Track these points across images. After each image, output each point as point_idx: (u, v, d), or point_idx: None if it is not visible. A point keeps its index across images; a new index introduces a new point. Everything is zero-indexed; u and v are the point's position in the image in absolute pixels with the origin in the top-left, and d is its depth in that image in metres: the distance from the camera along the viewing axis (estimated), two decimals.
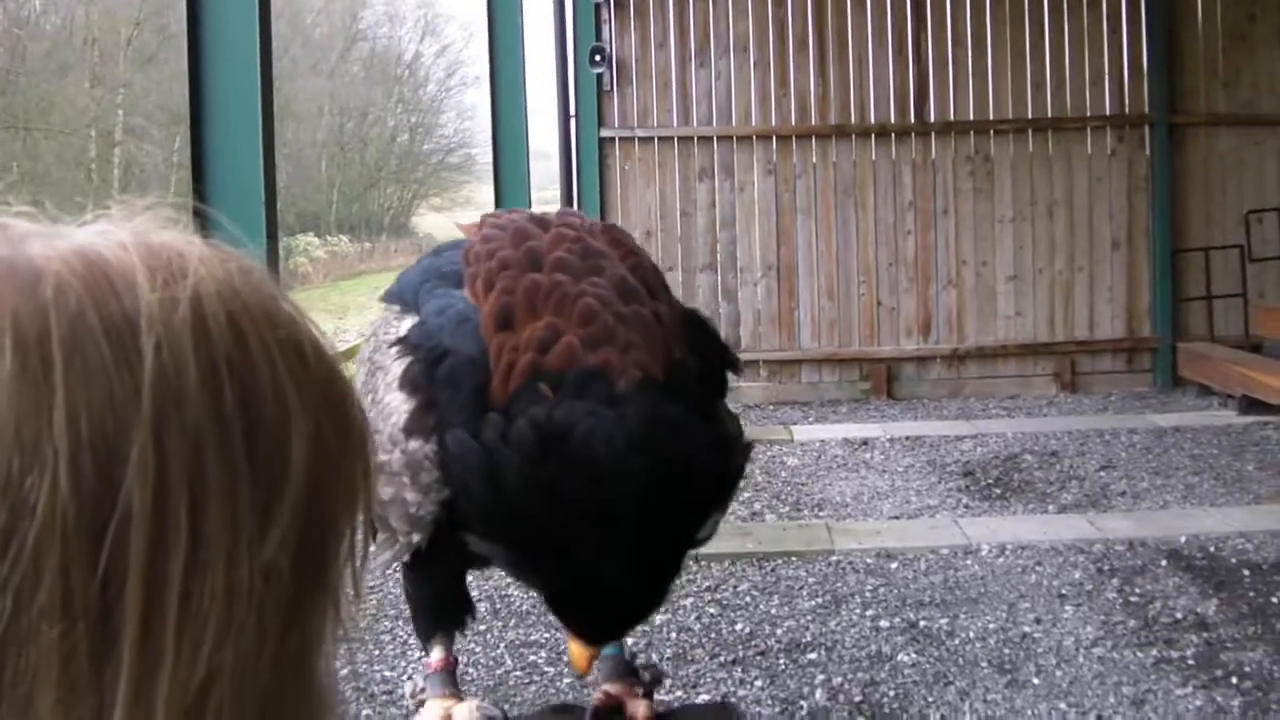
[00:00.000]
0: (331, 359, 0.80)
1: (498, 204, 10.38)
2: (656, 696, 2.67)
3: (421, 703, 2.67)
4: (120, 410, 0.67)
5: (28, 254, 0.71)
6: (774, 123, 14.86)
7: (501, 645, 7.39)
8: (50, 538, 0.64)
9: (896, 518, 9.51)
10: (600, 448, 2.10)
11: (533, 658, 7.17)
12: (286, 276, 44.37)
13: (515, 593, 8.19)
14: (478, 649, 7.36)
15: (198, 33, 4.86)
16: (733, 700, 6.50)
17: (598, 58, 14.43)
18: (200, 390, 0.70)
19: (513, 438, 2.13)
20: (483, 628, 7.67)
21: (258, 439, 0.72)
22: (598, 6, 14.57)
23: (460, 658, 7.13)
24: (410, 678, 2.31)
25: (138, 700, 0.66)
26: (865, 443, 12.13)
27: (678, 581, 2.47)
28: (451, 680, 2.60)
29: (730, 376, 2.65)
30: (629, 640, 2.66)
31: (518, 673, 7.00)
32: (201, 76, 4.87)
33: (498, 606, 8.01)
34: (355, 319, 31.16)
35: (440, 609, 2.69)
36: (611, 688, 2.56)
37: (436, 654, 2.58)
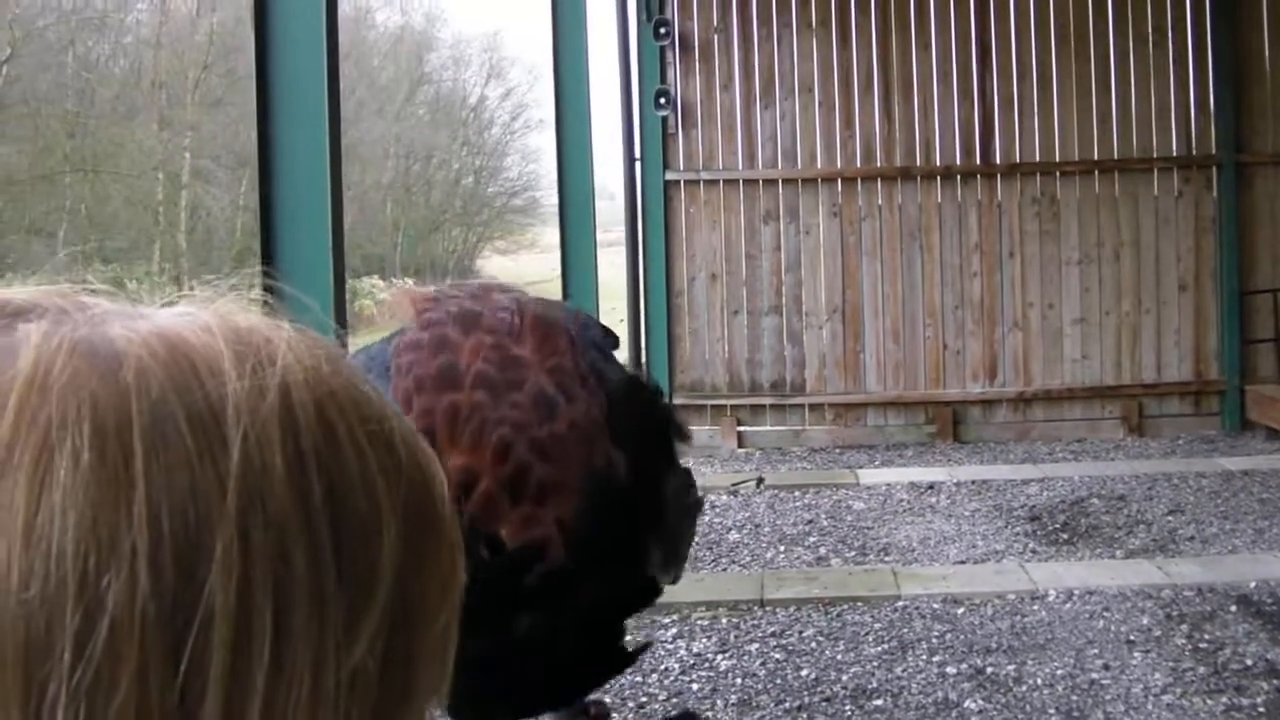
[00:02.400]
0: (421, 453, 0.76)
1: (563, 247, 10.40)
2: None
3: None
4: (203, 504, 0.63)
5: (109, 335, 0.67)
6: (839, 165, 14.84)
7: None
8: (128, 641, 0.61)
9: (963, 562, 9.45)
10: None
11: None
12: (352, 319, 44.62)
13: None
14: None
15: (265, 77, 4.88)
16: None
17: (663, 100, 14.46)
18: (286, 484, 0.66)
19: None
20: None
21: (346, 535, 0.68)
22: (663, 49, 14.60)
23: None
24: None
25: None
26: (931, 487, 12.06)
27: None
28: None
29: (680, 442, 2.62)
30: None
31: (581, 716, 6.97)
32: (269, 121, 4.89)
33: None
34: None
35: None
36: None
37: None
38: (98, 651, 0.60)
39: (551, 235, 11.27)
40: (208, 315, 0.72)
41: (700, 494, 2.59)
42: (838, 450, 14.53)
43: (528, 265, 54.59)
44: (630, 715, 6.95)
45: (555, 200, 10.57)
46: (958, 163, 14.80)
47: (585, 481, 2.21)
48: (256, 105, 4.95)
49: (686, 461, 2.57)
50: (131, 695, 0.60)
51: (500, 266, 54.30)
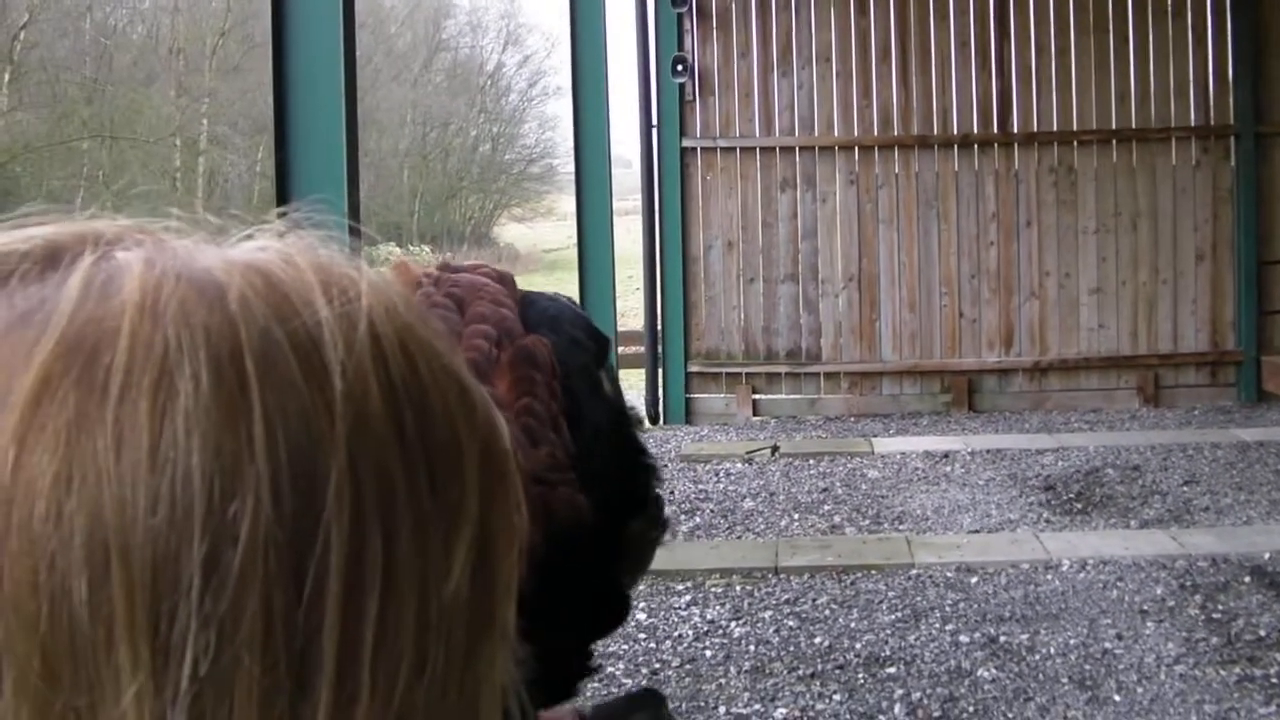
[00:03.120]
0: (482, 392, 0.76)
1: (579, 214, 10.40)
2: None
3: None
4: (315, 431, 0.64)
5: (206, 266, 0.67)
6: (856, 133, 14.82)
7: None
8: (254, 567, 0.61)
9: (977, 532, 9.46)
10: None
11: (611, 669, 7.17)
12: None
13: None
14: None
15: (281, 44, 4.89)
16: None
17: (680, 67, 14.43)
18: (383, 413, 0.67)
19: None
20: None
21: (437, 463, 0.69)
22: (680, 16, 14.55)
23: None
24: None
25: None
26: (946, 456, 12.07)
27: None
28: None
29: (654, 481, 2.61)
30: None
31: (595, 684, 7.00)
32: (285, 88, 4.90)
33: None
34: None
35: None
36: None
37: None
38: (229, 580, 0.61)
39: (568, 203, 11.26)
40: (290, 249, 0.72)
41: (666, 517, 2.57)
42: (853, 419, 14.54)
43: (545, 233, 54.62)
44: (643, 681, 6.98)
45: (572, 168, 10.57)
46: (975, 131, 14.77)
47: (543, 532, 2.19)
48: (273, 72, 4.96)
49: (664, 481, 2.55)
50: (258, 624, 0.61)
51: (517, 234, 54.36)
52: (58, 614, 0.59)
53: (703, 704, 6.67)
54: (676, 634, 7.67)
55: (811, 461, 12.13)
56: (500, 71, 53.80)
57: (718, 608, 8.06)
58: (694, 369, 14.93)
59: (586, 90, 10.23)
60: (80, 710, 0.60)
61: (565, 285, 10.15)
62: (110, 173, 39.56)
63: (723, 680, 6.94)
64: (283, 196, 4.91)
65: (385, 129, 47.43)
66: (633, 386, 15.55)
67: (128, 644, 0.59)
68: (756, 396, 15.03)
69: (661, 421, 14.92)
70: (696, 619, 7.90)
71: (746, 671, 7.02)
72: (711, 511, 10.53)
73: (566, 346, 2.37)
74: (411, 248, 47.43)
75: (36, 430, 0.60)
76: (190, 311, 0.64)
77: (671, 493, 11.25)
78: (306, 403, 0.64)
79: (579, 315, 2.36)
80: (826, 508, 10.36)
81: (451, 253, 49.61)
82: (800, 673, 6.94)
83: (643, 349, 15.36)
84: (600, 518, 2.25)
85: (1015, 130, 14.73)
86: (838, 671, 6.94)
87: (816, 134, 14.82)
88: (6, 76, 36.04)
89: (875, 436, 13.30)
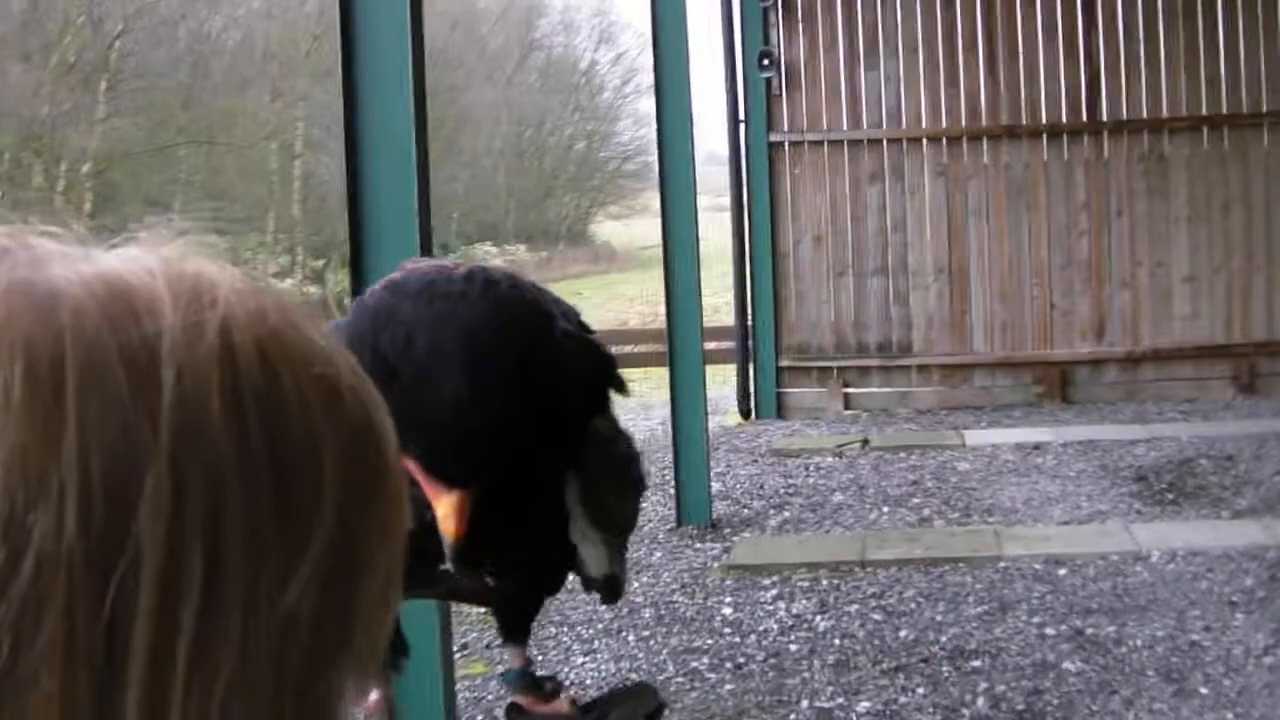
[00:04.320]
0: (369, 402, 0.75)
1: (664, 210, 10.41)
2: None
3: None
4: (135, 442, 0.64)
5: (48, 276, 0.68)
6: (944, 124, 14.75)
7: (665, 651, 7.42)
8: (54, 578, 0.61)
9: (1067, 523, 9.40)
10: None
11: (695, 664, 7.19)
12: None
13: (680, 598, 8.25)
14: (640, 655, 7.41)
15: (350, 48, 4.94)
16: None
17: (766, 61, 14.41)
18: (223, 423, 0.66)
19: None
20: (646, 633, 7.72)
21: (284, 478, 0.68)
22: (765, 10, 14.53)
23: (624, 663, 7.20)
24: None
25: None
26: (1037, 447, 12.00)
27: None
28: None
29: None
30: (534, 655, 2.63)
31: (680, 679, 7.03)
32: (355, 88, 4.94)
33: (662, 613, 8.05)
34: None
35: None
36: (521, 699, 2.53)
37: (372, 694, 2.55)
38: (22, 587, 0.61)
39: None
40: (153, 258, 0.73)
41: (643, 471, 2.56)
42: (944, 411, 14.47)
43: (641, 230, 54.66)
44: (727, 676, 6.99)
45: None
46: (1064, 120, 14.63)
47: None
48: (342, 78, 5.00)
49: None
50: (58, 631, 0.61)
51: (613, 231, 54.41)
52: None
53: (786, 698, 6.67)
54: (762, 628, 7.68)
55: (902, 455, 12.09)
56: (594, 69, 53.86)
57: (804, 602, 8.06)
58: (785, 364, 14.92)
59: (669, 86, 10.21)
60: None
61: (661, 281, 10.14)
62: (207, 177, 39.95)
63: (806, 674, 6.94)
64: (354, 200, 4.95)
65: (480, 128, 47.60)
66: (725, 382, 15.56)
67: None
68: (848, 390, 14.99)
69: (754, 416, 14.92)
70: (782, 613, 7.91)
71: (831, 665, 7.02)
72: (801, 506, 10.53)
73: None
74: (507, 246, 47.66)
75: None
76: (15, 323, 0.65)
77: (761, 487, 11.27)
78: (129, 414, 0.64)
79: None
80: (916, 501, 10.33)
81: (547, 252, 49.79)
82: (884, 666, 6.93)
83: (734, 345, 15.36)
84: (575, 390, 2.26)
85: (1104, 118, 14.60)
86: (922, 665, 6.92)
87: (904, 126, 14.76)
88: (104, 84, 36.43)
89: (966, 429, 13.24)
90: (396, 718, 2.41)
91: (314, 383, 0.71)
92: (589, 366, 2.25)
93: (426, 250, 4.94)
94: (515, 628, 2.52)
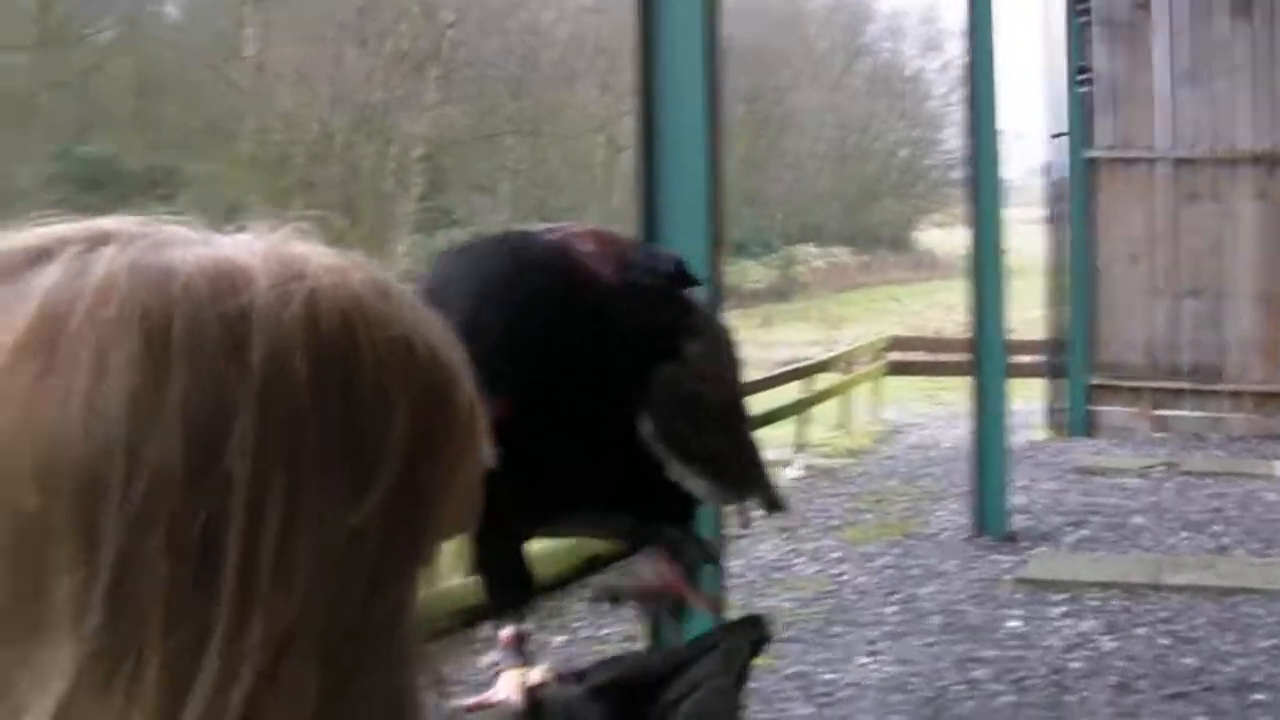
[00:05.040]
0: (442, 357, 0.92)
1: (971, 222, 10.45)
2: None
3: (498, 674, 2.79)
4: (227, 391, 0.81)
5: (167, 257, 0.85)
6: (1268, 144, 14.39)
7: (947, 659, 7.48)
8: (162, 490, 0.79)
9: None
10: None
11: (975, 673, 7.24)
12: (787, 286, 44.94)
13: (968, 607, 8.29)
14: (922, 660, 7.48)
15: (649, 50, 5.09)
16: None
17: (1084, 77, 14.27)
18: (304, 377, 0.83)
19: None
20: (930, 639, 7.79)
21: (357, 423, 0.85)
22: (1084, 26, 14.39)
23: (905, 667, 7.27)
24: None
25: (232, 634, 0.80)
26: None
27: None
28: (520, 652, 2.68)
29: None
30: None
31: (959, 686, 7.08)
32: (651, 82, 5.09)
33: (949, 621, 8.11)
34: (851, 330, 31.24)
35: (498, 580, 2.76)
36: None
37: (505, 630, 2.67)
38: (138, 495, 0.79)
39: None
40: (260, 242, 0.90)
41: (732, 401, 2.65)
42: (1256, 440, 14.14)
43: (963, 239, 54.08)
44: (1007, 688, 7.03)
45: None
46: None
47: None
48: (639, 79, 5.15)
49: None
50: (164, 532, 0.79)
51: (936, 239, 53.96)
52: (18, 524, 0.79)
53: (1063, 715, 6.69)
54: (1046, 644, 7.69)
55: (1208, 481, 11.90)
56: (920, 76, 53.55)
57: (1092, 621, 8.04)
58: (1095, 382, 14.78)
59: (979, 97, 10.24)
60: (32, 597, 0.80)
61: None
62: (532, 166, 40.71)
63: (1086, 694, 6.94)
64: (648, 203, 5.10)
65: (804, 130, 47.65)
66: (1033, 398, 15.44)
67: (67, 541, 0.79)
68: (1157, 412, 14.77)
69: (1061, 432, 14.81)
70: (1068, 630, 7.90)
71: (1111, 686, 7.01)
72: (1099, 524, 10.46)
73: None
74: (829, 248, 47.67)
75: (8, 385, 0.80)
76: (136, 294, 0.82)
77: (1061, 503, 11.22)
78: (224, 369, 0.81)
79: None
80: (1216, 528, 10.18)
81: (868, 256, 49.65)
82: (1165, 692, 6.89)
83: (1044, 360, 15.27)
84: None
85: None
86: (1204, 694, 6.87)
87: (1225, 146, 14.44)
88: (435, 72, 37.32)
89: (1278, 459, 12.93)
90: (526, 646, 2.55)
91: (389, 344, 0.87)
92: (645, 317, 2.38)
93: (717, 241, 5.07)
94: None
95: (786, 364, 18.73)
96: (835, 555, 9.97)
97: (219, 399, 0.81)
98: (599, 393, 2.29)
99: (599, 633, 7.86)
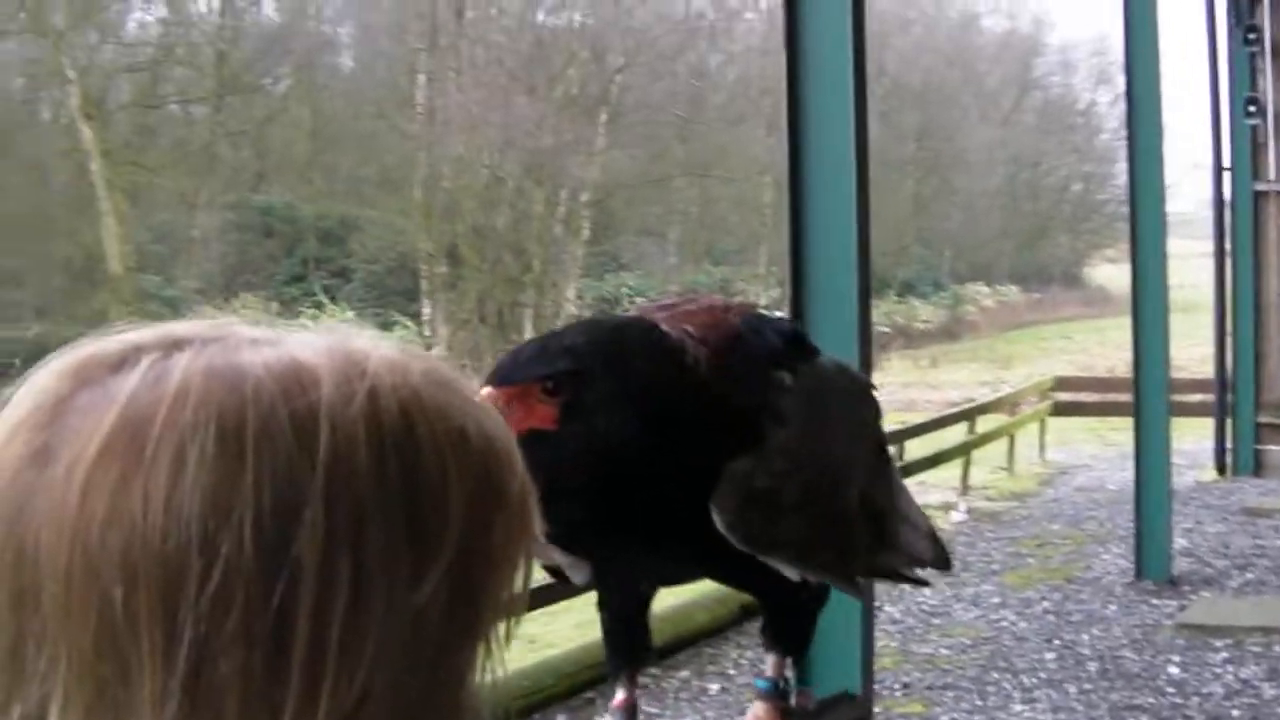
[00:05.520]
0: (497, 443, 0.97)
1: (1133, 258, 10.30)
2: None
3: None
4: (297, 483, 0.86)
5: (238, 360, 0.90)
6: None
7: (1104, 706, 7.37)
8: (236, 581, 0.84)
9: None
10: None
11: None
12: (955, 325, 44.62)
13: (1127, 654, 8.16)
14: (1079, 708, 7.38)
15: (796, 91, 5.07)
16: None
17: (1253, 108, 13.99)
18: (368, 467, 0.88)
19: None
20: (1088, 686, 7.68)
21: (417, 508, 0.90)
22: (1253, 55, 14.11)
23: (1061, 714, 7.16)
24: None
25: (301, 710, 0.86)
26: None
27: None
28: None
29: None
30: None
31: None
32: (800, 130, 5.07)
33: (1107, 667, 7.98)
34: (1020, 369, 31.00)
35: (615, 640, 2.75)
36: (761, 710, 2.60)
37: (619, 693, 2.67)
38: (214, 588, 0.84)
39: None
40: (323, 340, 0.95)
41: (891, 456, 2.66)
42: None
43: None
44: None
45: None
46: None
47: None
48: (787, 120, 5.13)
49: None
50: (239, 620, 0.84)
51: (1109, 275, 53.31)
52: (104, 614, 0.85)
53: None
54: (1206, 690, 7.54)
55: None
56: (1092, 110, 52.92)
57: (1253, 667, 7.87)
58: (1264, 420, 14.46)
59: (1140, 130, 10.08)
60: (116, 683, 0.85)
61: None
62: (702, 209, 40.88)
63: None
64: (796, 241, 5.08)
65: (974, 168, 47.34)
66: (1202, 438, 15.17)
67: (148, 632, 0.84)
68: None
69: (1229, 473, 14.52)
70: (1229, 677, 7.74)
71: None
72: (1265, 568, 10.25)
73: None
74: (998, 287, 47.25)
75: (95, 483, 0.86)
76: (211, 398, 0.88)
77: (1227, 545, 11.00)
78: (293, 462, 0.86)
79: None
80: None
81: (1039, 294, 49.12)
82: None
83: (1211, 398, 14.99)
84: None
85: None
86: None
87: None
88: (604, 116, 37.68)
89: None
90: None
91: (447, 432, 0.93)
92: (725, 408, 2.40)
93: (864, 281, 5.02)
94: (776, 634, 2.64)
95: (954, 405, 18.60)
96: (995, 600, 9.87)
97: (289, 492, 0.86)
98: (667, 484, 2.33)
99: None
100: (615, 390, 2.21)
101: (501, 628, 0.99)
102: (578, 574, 2.82)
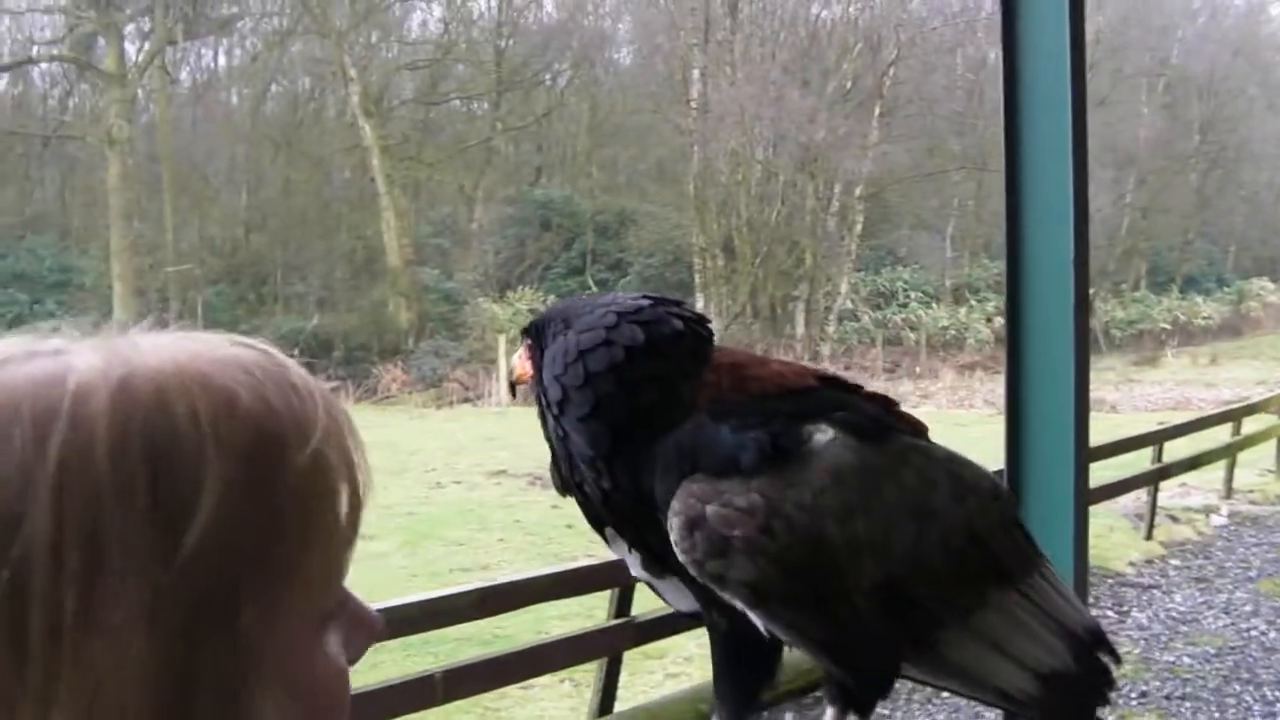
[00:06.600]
0: (278, 412, 0.96)
1: None
2: None
3: None
4: (27, 476, 0.88)
5: (9, 375, 0.93)
6: None
7: None
8: None
9: None
10: None
11: None
12: (1239, 321, 43.39)
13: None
14: None
15: (1013, 84, 4.96)
16: None
17: None
18: (106, 450, 0.89)
19: None
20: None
21: (162, 479, 0.90)
22: None
23: None
24: None
25: (41, 694, 0.87)
26: None
27: None
28: None
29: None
30: None
31: None
32: (1015, 130, 4.97)
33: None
34: None
35: (721, 679, 2.75)
36: None
37: None
38: None
39: None
40: (96, 341, 0.97)
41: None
42: None
43: None
44: None
45: None
46: None
47: None
48: (1004, 116, 5.02)
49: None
50: None
51: None
52: None
53: None
54: None
55: None
56: None
57: None
58: None
59: None
60: None
61: None
62: (978, 203, 40.42)
63: None
64: (1013, 231, 4.97)
65: (1260, 160, 46.03)
66: None
67: None
68: None
69: None
70: None
71: None
72: None
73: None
74: None
75: None
76: None
77: None
78: (27, 454, 0.88)
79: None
80: None
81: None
82: None
83: None
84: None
85: None
86: None
87: None
88: (877, 110, 37.48)
89: None
90: None
91: (210, 405, 0.93)
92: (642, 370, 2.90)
93: (1082, 285, 4.89)
94: (843, 693, 2.65)
95: (1227, 404, 18.04)
96: (1247, 608, 9.57)
97: (19, 483, 0.88)
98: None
99: None
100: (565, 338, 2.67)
101: (317, 598, 0.98)
102: (674, 597, 2.82)
